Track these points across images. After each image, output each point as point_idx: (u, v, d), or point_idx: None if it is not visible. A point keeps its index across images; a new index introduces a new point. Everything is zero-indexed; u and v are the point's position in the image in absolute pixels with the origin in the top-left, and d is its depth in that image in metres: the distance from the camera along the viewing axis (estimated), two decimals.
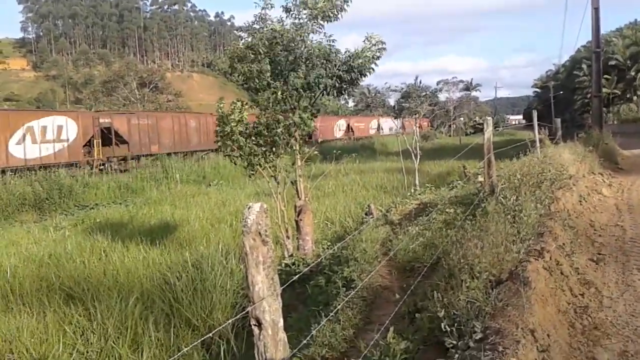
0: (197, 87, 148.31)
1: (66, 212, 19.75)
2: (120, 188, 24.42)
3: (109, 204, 21.08)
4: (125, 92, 66.57)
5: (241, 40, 9.03)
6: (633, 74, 68.87)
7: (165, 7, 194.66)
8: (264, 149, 8.37)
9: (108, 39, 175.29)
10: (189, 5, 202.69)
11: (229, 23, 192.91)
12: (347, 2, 8.43)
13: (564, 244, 6.56)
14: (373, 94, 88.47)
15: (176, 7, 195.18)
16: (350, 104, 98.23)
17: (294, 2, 8.44)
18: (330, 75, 8.36)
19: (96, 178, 25.15)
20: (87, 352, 6.30)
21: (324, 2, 8.32)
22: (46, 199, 20.59)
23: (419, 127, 26.39)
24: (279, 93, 8.26)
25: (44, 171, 24.03)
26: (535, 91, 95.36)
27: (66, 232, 13.60)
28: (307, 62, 8.32)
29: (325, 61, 8.30)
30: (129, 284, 8.17)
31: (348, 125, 69.94)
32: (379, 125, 76.65)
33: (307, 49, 8.29)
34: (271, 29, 8.32)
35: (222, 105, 8.33)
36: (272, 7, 8.53)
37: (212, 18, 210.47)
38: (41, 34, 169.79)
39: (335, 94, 8.89)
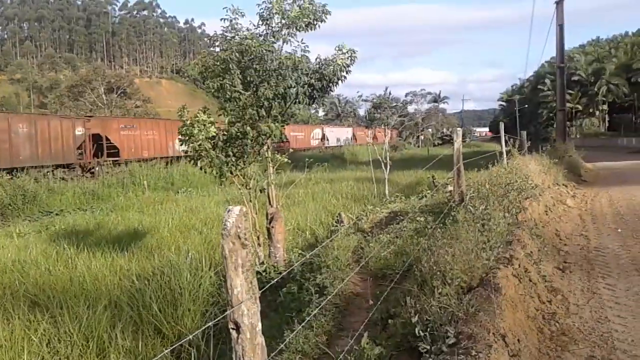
0: (166, 94, 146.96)
1: (30, 217, 19.25)
2: (86, 194, 23.92)
3: (75, 210, 20.61)
4: (93, 97, 65.51)
5: (212, 49, 8.96)
6: (595, 89, 70.96)
7: (135, 12, 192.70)
8: (234, 158, 8.34)
9: (75, 43, 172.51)
10: (159, 11, 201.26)
11: (199, 30, 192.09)
12: (326, 13, 8.46)
13: (531, 252, 6.71)
14: (343, 104, 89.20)
15: (145, 12, 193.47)
16: (321, 113, 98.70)
17: (267, 7, 8.41)
18: (300, 83, 8.36)
19: (61, 184, 24.59)
20: None
21: (297, 12, 8.34)
22: (9, 205, 20.06)
23: (387, 137, 26.69)
24: (249, 104, 8.24)
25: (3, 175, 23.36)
26: (501, 104, 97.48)
27: (30, 238, 13.26)
28: (277, 72, 8.31)
29: (294, 70, 8.29)
30: (96, 291, 8.00)
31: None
32: (323, 135, 67.82)
33: (277, 60, 8.27)
34: (240, 40, 8.28)
35: (185, 114, 8.25)
36: (242, 15, 8.49)
37: (182, 25, 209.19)
38: (6, 36, 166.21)
39: (307, 102, 8.90)
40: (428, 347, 3.87)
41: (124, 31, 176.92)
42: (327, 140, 67.58)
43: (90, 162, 31.80)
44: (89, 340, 6.42)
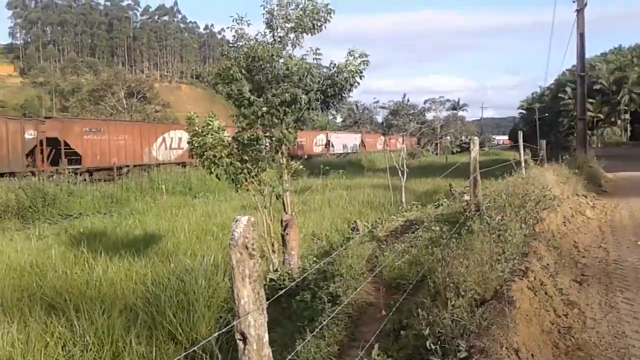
0: (186, 99, 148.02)
1: (50, 220, 19.51)
2: (105, 198, 24.20)
3: (94, 213, 20.86)
4: (113, 102, 66.28)
5: (224, 56, 9.04)
6: (617, 98, 70.01)
7: (156, 17, 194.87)
8: (248, 165, 8.37)
9: (97, 47, 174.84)
10: (180, 16, 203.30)
11: (219, 36, 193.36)
12: (329, 12, 8.47)
13: (548, 264, 6.62)
14: (361, 110, 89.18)
15: (166, 18, 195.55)
16: (339, 119, 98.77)
17: (270, 12, 8.45)
18: (309, 90, 8.36)
19: (81, 187, 24.88)
20: None
21: (298, 12, 8.37)
22: (29, 207, 20.35)
23: (405, 145, 26.59)
24: (261, 110, 8.27)
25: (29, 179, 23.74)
26: (521, 112, 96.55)
27: (49, 241, 13.44)
28: (286, 79, 8.34)
29: (303, 78, 8.29)
30: (112, 295, 8.07)
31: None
32: (328, 141, 63.47)
33: (285, 66, 8.30)
34: (247, 49, 8.34)
35: (195, 120, 8.31)
36: (249, 24, 8.56)
37: (202, 30, 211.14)
38: (29, 40, 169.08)
39: (320, 109, 8.91)
40: None
41: (145, 36, 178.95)
42: (332, 146, 63.53)
43: (44, 171, 27.25)
44: (104, 344, 6.47)
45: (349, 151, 66.61)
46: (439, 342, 4.08)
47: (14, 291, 8.34)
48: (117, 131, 33.20)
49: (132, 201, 23.76)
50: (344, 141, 67.73)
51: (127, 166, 32.18)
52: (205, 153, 8.18)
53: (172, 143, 37.80)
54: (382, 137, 75.58)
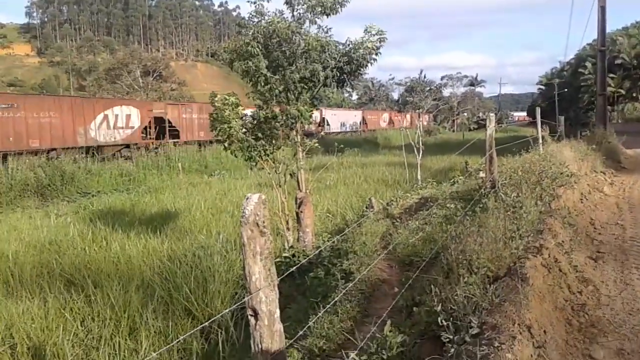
0: (201, 77, 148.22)
1: (68, 198, 19.79)
2: (123, 176, 24.46)
3: (111, 191, 21.11)
4: (129, 80, 66.51)
5: (241, 32, 8.99)
6: (639, 73, 68.57)
7: None
8: (263, 142, 8.38)
9: (113, 26, 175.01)
10: None
11: (234, 13, 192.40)
12: None
13: (563, 241, 6.58)
14: (377, 88, 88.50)
15: None
16: (354, 97, 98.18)
17: None
18: (328, 67, 8.32)
19: (98, 165, 25.16)
20: (87, 338, 6.34)
21: None
22: (48, 185, 20.64)
23: (420, 122, 26.38)
24: (278, 87, 8.25)
25: (47, 157, 23.98)
26: (540, 88, 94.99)
27: (68, 219, 13.65)
28: (304, 55, 8.29)
29: (321, 54, 8.25)
30: (129, 271, 8.20)
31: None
32: (323, 119, 53.56)
33: (304, 42, 8.25)
34: (266, 23, 8.29)
35: (216, 99, 8.32)
36: (268, 0, 8.51)
37: (217, 8, 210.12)
38: (46, 19, 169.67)
39: (336, 86, 8.87)
40: (451, 337, 3.85)
41: (161, 14, 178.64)
42: (328, 124, 55.35)
43: None
44: (121, 319, 6.60)
45: (348, 129, 60.70)
46: (451, 319, 4.09)
47: (33, 268, 8.51)
48: (38, 108, 26.48)
49: (149, 179, 23.98)
50: (342, 119, 60.65)
51: (54, 149, 26.55)
52: (220, 126, 8.20)
53: (118, 121, 31.63)
54: (386, 114, 74.14)
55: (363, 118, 66.20)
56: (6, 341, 6.21)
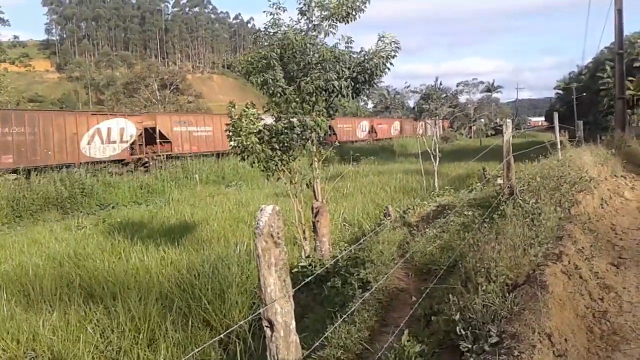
0: (218, 89, 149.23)
1: (88, 211, 20.03)
2: (141, 188, 24.68)
3: (130, 203, 21.32)
4: (147, 94, 67.29)
5: (257, 43, 9.06)
6: None
7: (187, 9, 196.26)
8: (279, 152, 8.41)
9: (130, 41, 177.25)
10: (210, 7, 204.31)
11: (249, 25, 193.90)
12: (365, 2, 8.41)
13: (583, 247, 6.48)
14: (392, 96, 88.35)
15: (197, 9, 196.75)
16: (370, 105, 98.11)
17: (306, 3, 8.43)
18: (342, 77, 8.34)
19: (117, 178, 25.41)
20: (107, 350, 6.38)
21: (335, 3, 8.33)
22: (68, 199, 20.90)
23: (436, 129, 26.25)
24: (293, 98, 8.28)
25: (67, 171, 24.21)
26: (558, 93, 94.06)
27: (87, 232, 13.79)
28: (318, 66, 8.32)
29: (336, 63, 8.27)
30: (148, 283, 8.25)
31: None
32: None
33: (318, 54, 8.28)
34: (281, 36, 8.34)
35: (233, 109, 8.37)
36: (284, 10, 8.55)
37: (232, 20, 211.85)
38: (65, 35, 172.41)
39: (351, 95, 8.88)
40: (469, 346, 3.80)
41: (177, 28, 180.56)
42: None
43: None
44: (140, 331, 6.63)
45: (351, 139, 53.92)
46: (470, 328, 4.05)
47: (54, 280, 8.61)
48: None
49: (167, 191, 24.16)
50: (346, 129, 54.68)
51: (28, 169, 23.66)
52: (237, 139, 8.24)
53: (111, 135, 28.98)
54: (397, 122, 72.43)
55: (372, 127, 62.30)
56: (28, 354, 6.28)
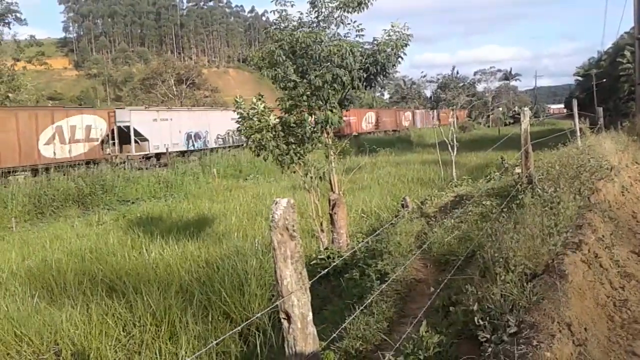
0: (234, 83, 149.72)
1: (108, 206, 20.25)
2: (160, 183, 24.87)
3: (149, 198, 21.51)
4: (164, 89, 67.72)
5: (268, 38, 9.06)
6: None
7: (202, 3, 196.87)
8: (293, 146, 8.42)
9: (146, 37, 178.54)
10: (225, 1, 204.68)
11: (263, 18, 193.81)
12: None
13: (603, 236, 6.41)
14: (408, 86, 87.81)
15: (212, 3, 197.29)
16: (386, 96, 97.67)
17: None
18: (351, 70, 8.28)
19: (137, 173, 25.65)
20: (129, 343, 6.48)
21: None
22: (89, 194, 21.15)
23: (454, 118, 26.06)
24: (306, 92, 8.28)
25: (87, 167, 24.42)
26: (577, 79, 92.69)
27: (108, 227, 13.97)
28: (326, 60, 8.28)
29: (345, 58, 8.21)
30: (168, 277, 8.33)
31: None
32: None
33: (325, 48, 8.23)
34: (291, 30, 8.33)
35: (242, 103, 8.39)
36: (292, 5, 8.53)
37: (247, 13, 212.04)
38: (82, 33, 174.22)
39: (364, 87, 8.83)
40: (488, 336, 3.79)
41: (192, 23, 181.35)
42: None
43: None
44: (161, 324, 6.71)
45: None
46: (488, 318, 4.03)
47: (75, 275, 8.74)
48: None
49: (186, 185, 24.33)
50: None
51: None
52: (252, 136, 8.28)
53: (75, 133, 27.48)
54: (407, 113, 70.82)
55: (377, 119, 59.59)
56: (51, 347, 6.39)
